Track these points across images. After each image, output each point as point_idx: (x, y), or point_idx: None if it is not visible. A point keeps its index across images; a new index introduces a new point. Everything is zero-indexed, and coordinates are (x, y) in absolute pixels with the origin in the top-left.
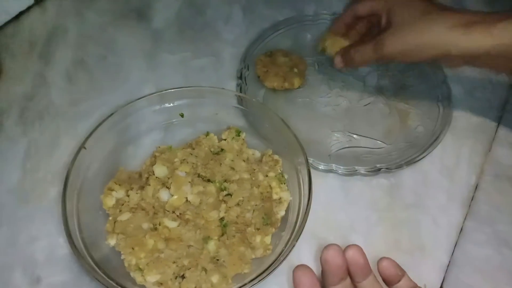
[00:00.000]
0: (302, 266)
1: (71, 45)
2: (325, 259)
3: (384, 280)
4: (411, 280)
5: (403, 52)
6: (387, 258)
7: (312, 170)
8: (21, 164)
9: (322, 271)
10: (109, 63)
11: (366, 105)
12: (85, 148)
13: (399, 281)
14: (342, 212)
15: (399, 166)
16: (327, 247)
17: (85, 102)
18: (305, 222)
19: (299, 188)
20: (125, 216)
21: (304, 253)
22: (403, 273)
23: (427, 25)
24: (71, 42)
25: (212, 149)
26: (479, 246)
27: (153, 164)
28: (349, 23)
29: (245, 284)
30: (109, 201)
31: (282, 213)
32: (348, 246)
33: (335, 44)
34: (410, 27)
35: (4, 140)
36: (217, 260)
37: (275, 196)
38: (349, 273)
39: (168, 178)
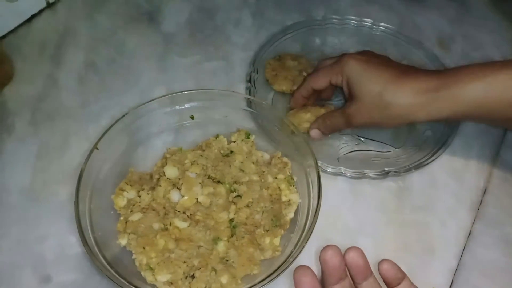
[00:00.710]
0: (303, 267)
1: (82, 47)
2: (324, 259)
3: (385, 282)
4: (412, 283)
5: (372, 124)
6: (388, 260)
7: (320, 173)
8: (32, 165)
9: (321, 271)
10: (120, 65)
11: None
12: (97, 148)
13: (400, 283)
14: (350, 214)
15: (408, 170)
16: (325, 247)
17: (95, 104)
18: (315, 224)
19: (308, 191)
20: (136, 216)
21: (312, 254)
22: (403, 275)
23: (388, 99)
24: (82, 44)
25: (222, 151)
26: (487, 249)
27: (164, 165)
28: (307, 96)
29: (255, 285)
30: (121, 202)
31: (291, 215)
32: (349, 248)
33: (300, 121)
34: (372, 103)
35: (15, 140)
36: (227, 260)
37: (284, 198)
38: (350, 275)
39: (179, 179)
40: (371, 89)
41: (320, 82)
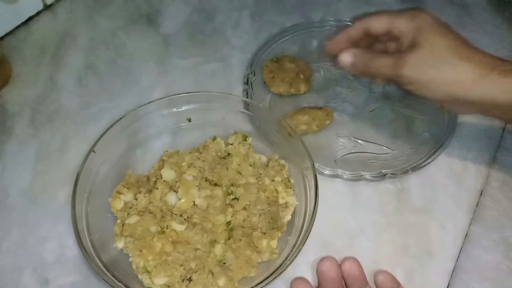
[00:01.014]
0: (300, 278)
1: (82, 49)
2: (321, 271)
3: None
4: None
5: (418, 83)
6: (384, 271)
7: (318, 175)
8: (31, 167)
9: (318, 282)
10: (119, 67)
11: (371, 111)
12: (94, 152)
13: None
14: (348, 216)
15: (405, 172)
16: (322, 259)
17: (95, 105)
18: (312, 226)
19: (305, 193)
20: (133, 219)
21: (311, 257)
22: (398, 285)
23: (458, 57)
24: (81, 46)
25: (219, 154)
26: (484, 251)
27: (161, 168)
28: (351, 41)
29: None
30: (118, 204)
31: (288, 217)
32: (345, 258)
33: (297, 123)
34: (438, 55)
35: (15, 143)
36: (224, 263)
37: (281, 201)
38: (346, 285)
39: (176, 181)
40: (443, 41)
41: (380, 22)
